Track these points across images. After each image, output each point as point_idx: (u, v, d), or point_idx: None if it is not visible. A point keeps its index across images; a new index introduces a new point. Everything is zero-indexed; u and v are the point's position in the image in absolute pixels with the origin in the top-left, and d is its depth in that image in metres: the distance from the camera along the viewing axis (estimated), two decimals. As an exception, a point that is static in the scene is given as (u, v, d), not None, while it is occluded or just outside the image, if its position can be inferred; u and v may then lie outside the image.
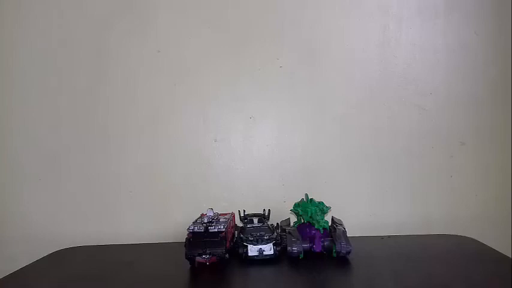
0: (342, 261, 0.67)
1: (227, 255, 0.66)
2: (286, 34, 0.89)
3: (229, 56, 0.89)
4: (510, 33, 0.89)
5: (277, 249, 0.69)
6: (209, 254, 0.64)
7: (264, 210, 0.82)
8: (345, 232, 0.71)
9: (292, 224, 0.78)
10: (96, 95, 0.89)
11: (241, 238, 0.70)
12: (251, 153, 0.90)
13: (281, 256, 0.69)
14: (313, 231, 0.70)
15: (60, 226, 0.89)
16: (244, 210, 0.82)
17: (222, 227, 0.66)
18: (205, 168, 0.90)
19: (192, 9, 0.88)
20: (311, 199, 0.75)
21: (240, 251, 0.69)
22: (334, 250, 0.68)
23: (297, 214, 0.77)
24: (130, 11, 0.88)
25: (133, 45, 0.89)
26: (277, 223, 0.80)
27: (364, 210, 0.90)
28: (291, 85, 0.89)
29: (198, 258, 0.65)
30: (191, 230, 0.66)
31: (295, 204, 0.77)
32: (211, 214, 0.72)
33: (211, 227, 0.66)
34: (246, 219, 0.78)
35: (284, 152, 0.90)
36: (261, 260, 0.68)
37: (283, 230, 0.75)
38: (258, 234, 0.70)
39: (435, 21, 0.89)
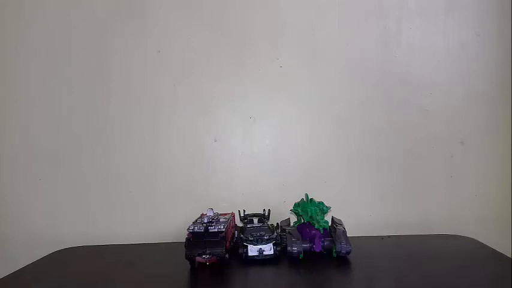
0: (342, 261, 0.67)
1: (227, 255, 0.66)
2: (286, 34, 0.89)
3: (229, 56, 0.89)
4: (510, 34, 0.89)
5: (277, 249, 0.69)
6: (209, 254, 0.64)
7: (264, 210, 0.82)
8: (345, 232, 0.71)
9: (292, 224, 0.78)
10: (96, 95, 0.89)
11: (241, 238, 0.70)
12: (251, 153, 0.90)
13: (281, 256, 0.69)
14: (313, 231, 0.70)
15: (60, 226, 0.89)
16: (244, 210, 0.82)
17: (222, 227, 0.66)
18: (205, 168, 0.90)
19: (192, 9, 0.89)
20: (311, 199, 0.75)
21: (240, 251, 0.69)
22: (334, 250, 0.68)
23: (297, 214, 0.77)
24: (131, 11, 0.88)
25: (133, 45, 0.89)
26: (277, 223, 0.80)
27: (364, 210, 0.90)
28: (291, 85, 0.89)
29: (198, 258, 0.65)
30: (191, 230, 0.66)
31: (295, 204, 0.77)
32: (211, 214, 0.72)
33: (211, 227, 0.66)
34: (246, 219, 0.78)
35: (284, 152, 0.90)
36: (261, 260, 0.68)
37: (283, 230, 0.75)
38: (258, 234, 0.70)
39: (435, 21, 0.89)
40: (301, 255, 0.68)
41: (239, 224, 0.80)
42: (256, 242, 0.68)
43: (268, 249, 0.68)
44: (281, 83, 0.89)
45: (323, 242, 0.69)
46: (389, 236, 0.82)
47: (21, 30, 0.88)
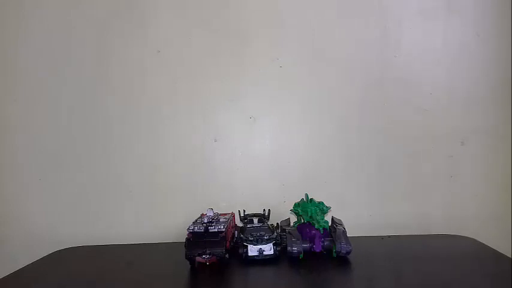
0: (342, 261, 0.67)
1: (227, 255, 0.66)
2: (286, 34, 0.89)
3: (229, 55, 0.89)
4: (510, 34, 0.89)
5: (277, 249, 0.69)
6: (209, 254, 0.64)
7: (264, 210, 0.82)
8: (345, 232, 0.71)
9: (292, 224, 0.78)
10: (96, 95, 0.89)
11: (241, 238, 0.70)
12: (251, 153, 0.90)
13: (281, 256, 0.69)
14: (313, 231, 0.70)
15: (60, 226, 0.89)
16: (244, 210, 0.82)
17: (222, 227, 0.66)
18: (205, 168, 0.90)
19: (192, 9, 0.89)
20: (311, 199, 0.75)
21: (240, 251, 0.69)
22: (334, 250, 0.68)
23: (297, 214, 0.77)
24: (130, 11, 0.88)
25: (133, 45, 0.89)
26: (277, 223, 0.80)
27: (364, 210, 0.90)
28: (291, 85, 0.89)
29: (198, 258, 0.65)
30: (191, 230, 0.66)
31: (295, 204, 0.77)
32: (211, 214, 0.72)
33: (211, 227, 0.66)
34: (246, 219, 0.78)
35: (284, 152, 0.90)
36: (261, 260, 0.68)
37: (283, 230, 0.75)
38: (258, 234, 0.70)
39: (435, 21, 0.89)
40: (301, 255, 0.68)
41: (239, 224, 0.80)
42: (256, 242, 0.68)
43: (268, 249, 0.68)
44: (281, 83, 0.89)
45: (323, 242, 0.69)
46: (389, 236, 0.82)
47: (21, 30, 0.88)
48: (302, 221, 0.75)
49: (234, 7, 0.89)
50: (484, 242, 0.76)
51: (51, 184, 0.89)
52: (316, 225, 0.68)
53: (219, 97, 0.89)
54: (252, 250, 0.68)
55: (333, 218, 0.78)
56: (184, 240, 0.66)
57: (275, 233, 0.71)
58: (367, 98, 0.89)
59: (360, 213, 0.90)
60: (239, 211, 0.82)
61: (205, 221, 0.69)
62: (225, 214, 0.77)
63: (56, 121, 0.89)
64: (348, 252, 0.68)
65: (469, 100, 0.89)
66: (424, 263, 0.66)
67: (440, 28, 0.89)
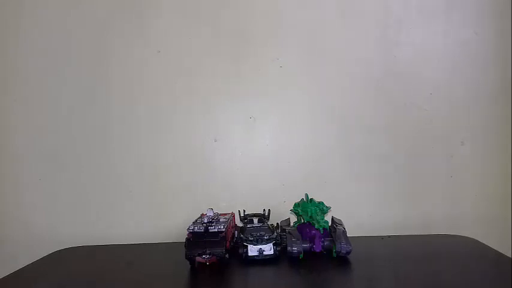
0: (342, 261, 0.67)
1: (227, 255, 0.66)
2: (286, 34, 0.89)
3: (229, 56, 0.89)
4: (510, 33, 0.89)
5: (277, 249, 0.69)
6: (209, 254, 0.64)
7: (264, 210, 0.82)
8: (345, 232, 0.71)
9: (292, 224, 0.78)
10: (96, 95, 0.89)
11: (241, 238, 0.70)
12: (251, 153, 0.90)
13: (281, 256, 0.69)
14: (313, 231, 0.70)
15: (60, 226, 0.89)
16: (244, 210, 0.82)
17: (222, 227, 0.66)
18: (205, 168, 0.90)
19: (192, 9, 0.89)
20: (311, 199, 0.75)
21: (240, 251, 0.69)
22: (334, 250, 0.68)
23: (297, 214, 0.77)
24: (130, 11, 0.88)
25: (133, 46, 0.89)
26: (277, 223, 0.80)
27: (364, 210, 0.90)
28: (291, 85, 0.89)
29: (198, 258, 0.65)
30: (191, 230, 0.66)
31: (295, 204, 0.77)
32: (211, 214, 0.72)
33: (211, 227, 0.66)
34: (246, 219, 0.78)
35: (284, 152, 0.90)
36: (261, 260, 0.68)
37: (283, 230, 0.75)
38: (258, 234, 0.70)
39: (435, 21, 0.89)
40: (301, 255, 0.68)
41: (239, 224, 0.80)
42: (256, 242, 0.68)
43: (268, 249, 0.68)
44: (281, 83, 0.89)
45: (323, 242, 0.69)
46: (389, 236, 0.82)
47: (21, 30, 0.88)
48: (302, 221, 0.75)
49: (234, 7, 0.89)
50: (484, 242, 0.76)
51: (51, 184, 0.89)
52: (316, 225, 0.68)
53: (219, 97, 0.89)
54: (252, 250, 0.68)
55: (333, 218, 0.78)
56: (184, 240, 0.66)
57: (275, 233, 0.71)
58: (366, 97, 0.89)
59: (360, 213, 0.90)
60: (239, 211, 0.82)
61: (205, 221, 0.69)
62: (225, 214, 0.77)
63: (56, 121, 0.89)
64: (348, 252, 0.68)
65: (469, 100, 0.90)
66: (424, 263, 0.66)
67: (440, 28, 0.89)
